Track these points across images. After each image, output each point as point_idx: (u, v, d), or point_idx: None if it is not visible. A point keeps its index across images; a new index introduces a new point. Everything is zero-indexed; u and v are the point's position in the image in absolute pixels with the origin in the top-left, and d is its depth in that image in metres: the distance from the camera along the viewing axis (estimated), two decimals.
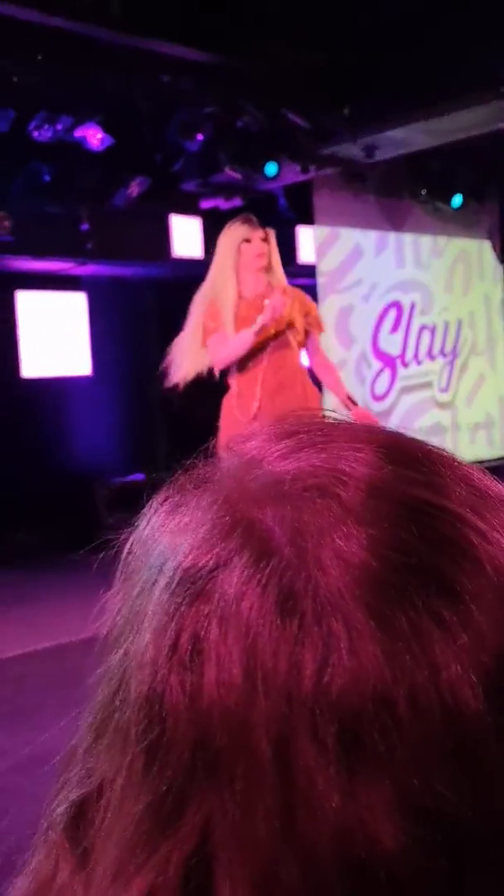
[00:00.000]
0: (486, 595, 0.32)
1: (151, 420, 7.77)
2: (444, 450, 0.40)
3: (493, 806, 0.30)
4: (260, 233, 4.09)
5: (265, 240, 4.10)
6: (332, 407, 7.31)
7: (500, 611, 0.32)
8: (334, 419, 0.41)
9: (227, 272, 4.10)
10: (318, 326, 4.26)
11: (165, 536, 0.36)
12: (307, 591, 0.32)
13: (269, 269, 4.13)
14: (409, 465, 0.36)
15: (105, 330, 7.54)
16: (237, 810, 0.30)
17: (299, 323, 4.11)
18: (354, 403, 4.28)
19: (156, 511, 0.38)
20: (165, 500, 0.38)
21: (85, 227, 6.54)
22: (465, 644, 0.31)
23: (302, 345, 4.18)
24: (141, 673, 0.34)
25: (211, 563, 0.34)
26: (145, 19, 4.97)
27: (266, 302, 3.99)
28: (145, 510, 0.39)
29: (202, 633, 0.32)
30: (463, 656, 0.31)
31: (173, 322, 7.87)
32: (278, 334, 4.04)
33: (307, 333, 4.19)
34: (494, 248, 9.04)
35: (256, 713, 0.31)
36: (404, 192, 7.91)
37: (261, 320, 3.94)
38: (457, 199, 7.93)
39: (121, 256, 7.01)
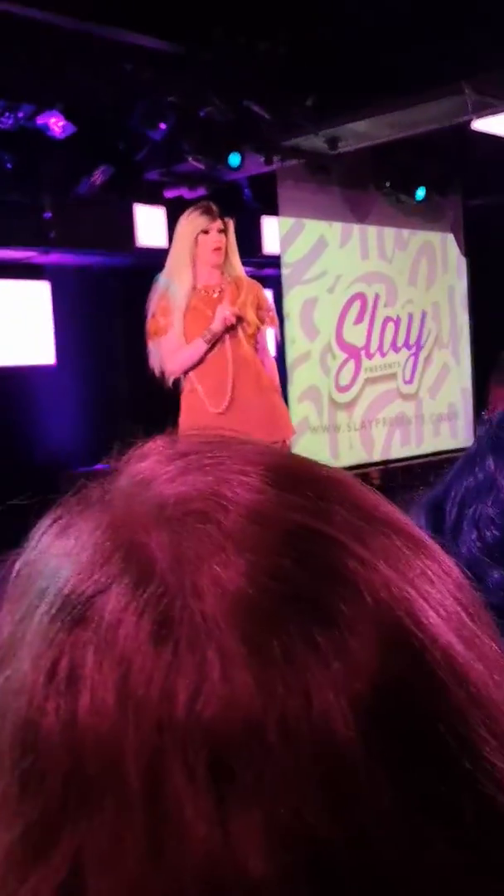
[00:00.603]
0: (363, 621, 0.32)
1: (116, 409, 7.76)
2: (336, 470, 0.39)
3: (359, 834, 0.30)
4: (218, 223, 4.05)
5: (223, 231, 4.08)
6: (297, 393, 7.32)
7: (376, 637, 0.32)
8: (227, 438, 0.40)
9: (182, 263, 4.09)
10: (271, 322, 4.27)
11: (51, 560, 0.36)
12: (182, 619, 0.32)
13: (225, 260, 4.13)
14: (294, 490, 0.36)
15: (69, 319, 7.51)
16: (107, 840, 0.30)
17: (251, 316, 4.12)
18: None
19: (44, 533, 0.38)
20: (54, 522, 0.38)
21: (48, 215, 6.50)
22: (338, 671, 0.31)
23: (253, 337, 4.18)
24: (18, 699, 0.33)
25: (91, 588, 0.33)
26: (107, 8, 4.95)
27: (218, 309, 4.04)
28: (34, 531, 0.38)
29: (79, 659, 0.32)
30: (336, 683, 0.31)
31: (138, 311, 7.87)
32: (228, 329, 4.07)
33: (259, 327, 4.20)
34: (458, 241, 9.10)
35: (128, 742, 0.31)
36: (368, 185, 7.93)
37: (211, 329, 4.00)
38: (420, 192, 7.97)
39: (84, 245, 6.98)
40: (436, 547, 0.39)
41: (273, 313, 4.35)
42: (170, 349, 4.13)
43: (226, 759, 0.30)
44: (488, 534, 0.77)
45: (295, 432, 4.36)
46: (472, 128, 6.49)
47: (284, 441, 4.25)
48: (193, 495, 0.35)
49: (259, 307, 4.19)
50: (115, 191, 6.62)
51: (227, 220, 4.13)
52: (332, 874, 0.30)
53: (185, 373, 4.17)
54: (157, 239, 7.16)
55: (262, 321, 4.22)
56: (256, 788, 0.30)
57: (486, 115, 6.20)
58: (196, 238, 4.05)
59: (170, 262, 4.22)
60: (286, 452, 0.40)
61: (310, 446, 7.56)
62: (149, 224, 7.12)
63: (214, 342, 4.07)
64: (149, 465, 0.38)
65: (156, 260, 7.36)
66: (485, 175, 8.20)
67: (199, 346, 4.05)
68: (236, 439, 0.40)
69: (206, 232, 4.03)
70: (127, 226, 7.02)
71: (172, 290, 4.12)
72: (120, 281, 7.71)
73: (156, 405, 7.21)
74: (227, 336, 4.09)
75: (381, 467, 8.42)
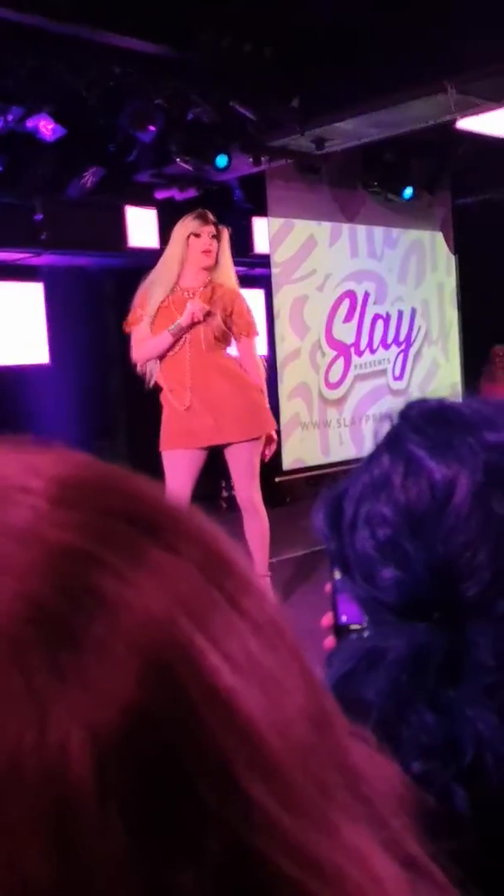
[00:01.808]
0: (117, 647, 0.31)
1: (111, 408, 7.85)
2: (139, 482, 0.38)
3: (83, 883, 0.29)
4: (210, 229, 4.18)
5: (216, 236, 4.20)
6: (287, 390, 7.38)
7: (131, 663, 0.31)
8: (26, 447, 0.38)
9: (171, 262, 4.24)
10: (246, 331, 4.29)
11: None
12: None
13: (215, 265, 4.24)
14: (76, 505, 0.34)
15: (63, 319, 7.60)
16: None
17: (218, 319, 4.20)
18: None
19: None
20: None
21: (39, 217, 6.60)
22: (82, 700, 0.30)
23: (220, 339, 4.25)
24: None
25: None
26: (93, 10, 5.03)
27: (188, 304, 4.15)
28: None
29: None
30: (78, 714, 0.30)
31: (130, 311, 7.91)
32: (196, 324, 4.18)
33: (233, 332, 4.27)
34: (447, 239, 9.20)
35: None
36: (357, 184, 8.01)
37: (179, 322, 4.13)
38: (408, 191, 8.06)
39: (77, 246, 7.07)
40: (238, 562, 0.37)
41: (249, 325, 4.32)
42: (138, 338, 4.30)
43: None
44: (380, 532, 0.77)
45: (275, 425, 4.41)
46: (456, 127, 6.59)
47: (270, 436, 4.34)
48: None
49: (231, 313, 4.25)
50: (105, 192, 6.71)
51: (221, 227, 4.27)
52: None
53: (152, 362, 4.31)
54: (149, 240, 7.25)
55: (237, 328, 4.26)
56: None
57: (470, 114, 6.29)
58: (187, 240, 4.19)
59: (161, 259, 4.37)
60: (85, 462, 0.38)
61: (300, 442, 7.65)
62: (140, 225, 7.22)
63: (180, 336, 4.19)
64: None
65: (148, 260, 7.41)
66: (473, 174, 8.30)
67: (165, 337, 4.19)
68: (35, 447, 0.38)
69: (197, 235, 4.17)
70: (118, 227, 7.12)
71: (155, 284, 4.27)
72: (112, 281, 7.81)
73: (149, 403, 7.25)
74: (189, 336, 4.20)
75: None
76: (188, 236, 4.18)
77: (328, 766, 0.36)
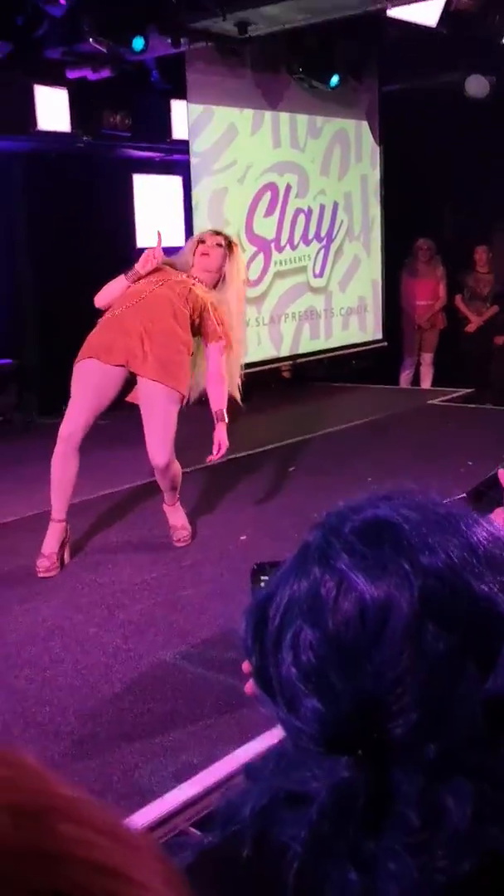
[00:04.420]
0: None
1: (21, 304, 7.52)
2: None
3: None
4: (218, 239, 4.48)
5: (221, 245, 4.45)
6: None
7: None
8: None
9: (180, 266, 4.48)
10: (213, 335, 4.37)
11: None
12: None
13: (221, 280, 4.45)
14: None
15: None
16: None
17: (199, 302, 4.32)
18: (221, 420, 4.39)
19: None
20: None
21: None
22: None
23: (186, 313, 4.30)
24: None
25: None
26: None
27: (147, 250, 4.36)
28: None
29: None
30: None
31: (40, 197, 7.52)
32: (151, 273, 4.33)
33: (203, 332, 4.38)
34: (373, 128, 8.88)
35: None
36: (281, 69, 7.62)
37: (135, 266, 4.34)
38: (334, 79, 7.70)
39: None
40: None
41: (214, 332, 4.37)
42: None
43: None
44: (304, 658, 0.73)
45: (187, 398, 4.32)
46: (388, 14, 6.28)
47: (182, 396, 4.28)
48: None
49: (200, 315, 4.33)
50: (13, 69, 6.24)
51: (234, 243, 4.58)
52: None
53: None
54: (60, 122, 6.80)
55: (204, 328, 4.35)
56: None
57: (401, 2, 6.00)
58: (196, 243, 4.53)
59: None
60: None
61: None
62: (50, 106, 6.75)
63: (135, 281, 4.33)
64: None
65: (58, 144, 7.03)
66: (401, 59, 7.95)
67: (120, 280, 4.37)
68: None
69: (202, 241, 4.51)
70: (26, 107, 6.65)
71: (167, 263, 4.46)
72: (20, 166, 7.36)
73: (60, 296, 6.97)
74: (160, 282, 4.30)
75: (290, 362, 8.42)
76: (197, 243, 4.51)
77: None
